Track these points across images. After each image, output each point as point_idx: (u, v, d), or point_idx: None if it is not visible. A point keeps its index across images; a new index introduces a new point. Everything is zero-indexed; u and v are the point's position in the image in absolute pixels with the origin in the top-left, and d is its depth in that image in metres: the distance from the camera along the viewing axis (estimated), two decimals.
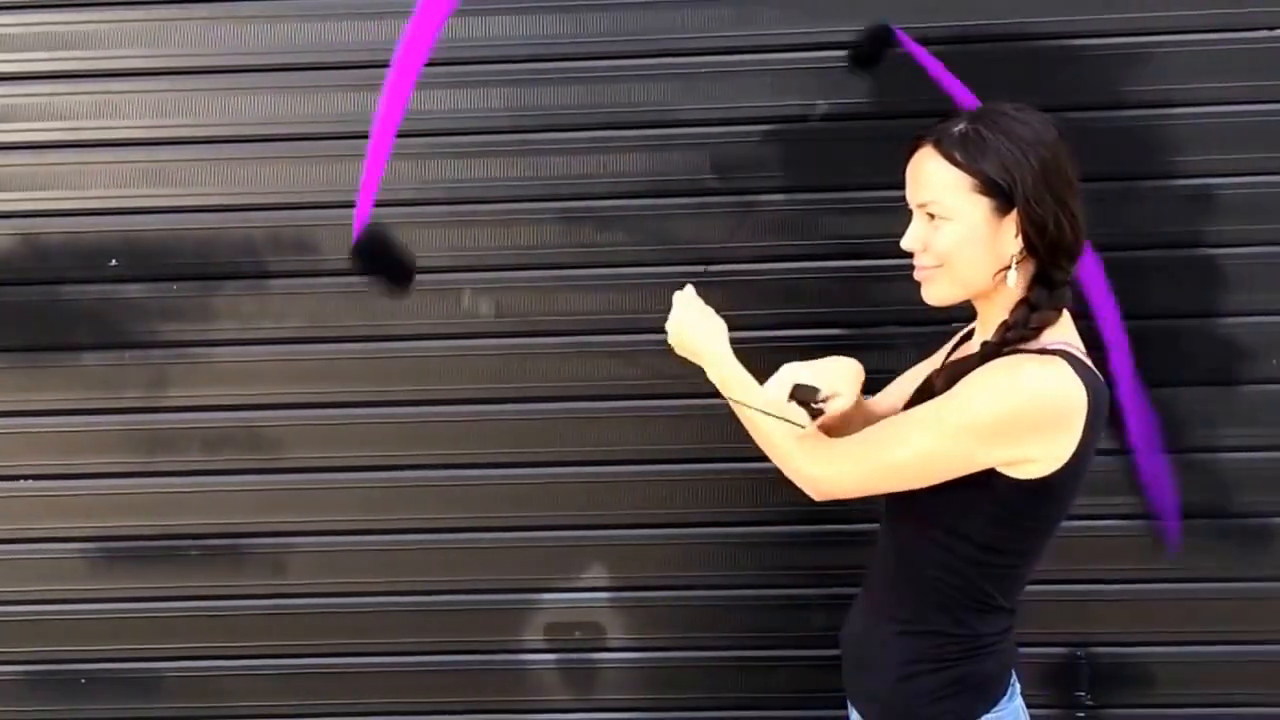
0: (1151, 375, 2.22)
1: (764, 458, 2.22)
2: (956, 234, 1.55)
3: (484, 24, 2.23)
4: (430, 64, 2.21)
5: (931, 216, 1.57)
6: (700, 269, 2.19)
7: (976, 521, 1.55)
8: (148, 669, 2.40)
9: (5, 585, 2.37)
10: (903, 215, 2.25)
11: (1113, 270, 2.20)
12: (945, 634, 1.61)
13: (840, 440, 1.64)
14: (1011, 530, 1.57)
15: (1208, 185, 2.21)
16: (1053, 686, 2.31)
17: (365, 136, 2.23)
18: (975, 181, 1.53)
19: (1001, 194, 1.53)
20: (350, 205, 2.24)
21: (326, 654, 2.37)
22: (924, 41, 2.18)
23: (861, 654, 1.71)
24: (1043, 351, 1.54)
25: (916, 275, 1.61)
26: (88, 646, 2.39)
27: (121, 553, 2.36)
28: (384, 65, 2.21)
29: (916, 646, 1.63)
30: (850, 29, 2.18)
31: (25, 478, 2.35)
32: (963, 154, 1.54)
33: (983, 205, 1.54)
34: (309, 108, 2.25)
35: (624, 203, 2.25)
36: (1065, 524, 2.21)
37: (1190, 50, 2.18)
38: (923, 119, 2.17)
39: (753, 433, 1.69)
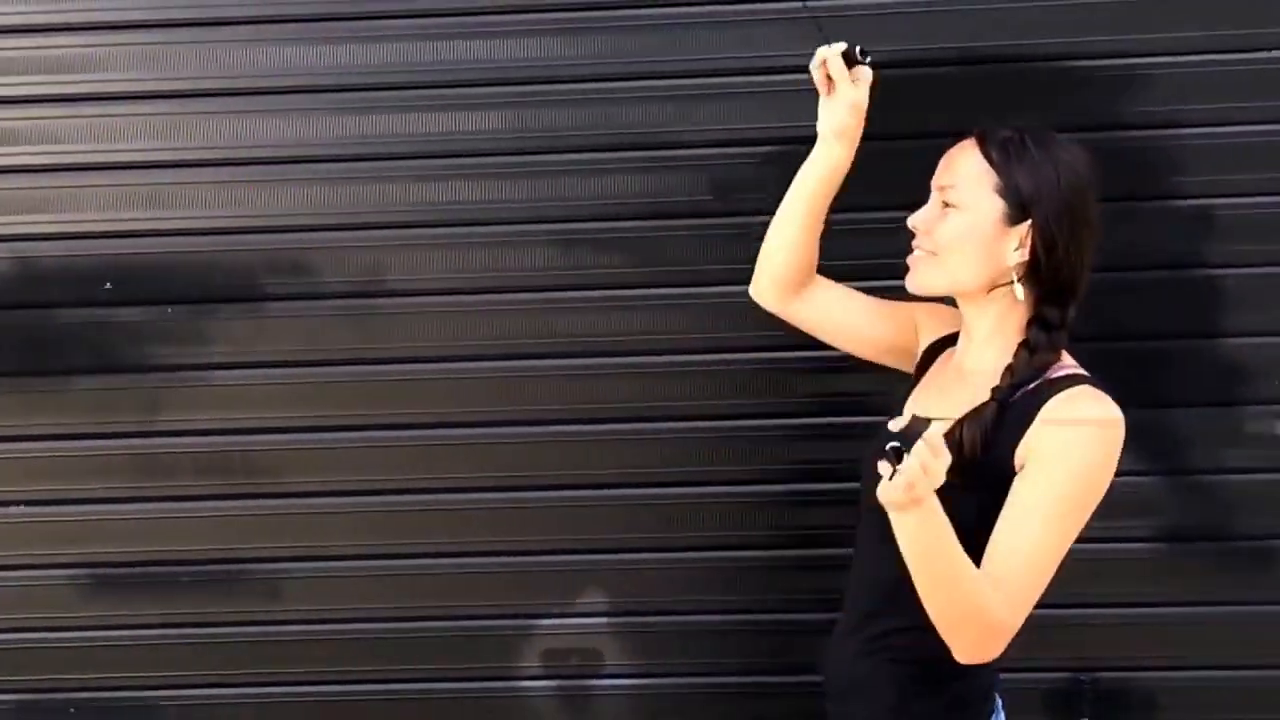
0: (1154, 396, 2.30)
1: (756, 480, 2.31)
2: (961, 225, 1.65)
3: (482, 46, 2.30)
4: (427, 86, 2.31)
5: (946, 205, 1.67)
6: None
7: (982, 538, 1.59)
8: (139, 698, 2.45)
9: None
10: (903, 237, 2.32)
11: (1115, 290, 2.28)
12: (938, 657, 1.65)
13: (1005, 577, 1.56)
14: None
15: (1211, 205, 2.28)
16: (1056, 711, 2.37)
17: (361, 159, 2.33)
18: (999, 182, 1.64)
19: (1019, 203, 1.63)
20: (347, 228, 2.33)
21: (322, 681, 2.42)
22: (927, 64, 2.26)
23: (850, 684, 1.76)
24: (1070, 377, 1.63)
25: (909, 260, 1.71)
26: (78, 675, 2.44)
27: (113, 579, 2.42)
28: (380, 89, 2.31)
29: (910, 671, 1.70)
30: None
31: (17, 503, 2.41)
32: (999, 153, 1.65)
33: (997, 207, 1.64)
34: (305, 131, 2.32)
35: (622, 224, 2.32)
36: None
37: (1192, 71, 2.25)
38: (923, 140, 2.27)
39: (935, 590, 1.53)
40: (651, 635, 2.41)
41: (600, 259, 2.33)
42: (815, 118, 2.26)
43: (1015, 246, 1.64)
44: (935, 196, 1.70)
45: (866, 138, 2.25)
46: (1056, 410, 1.59)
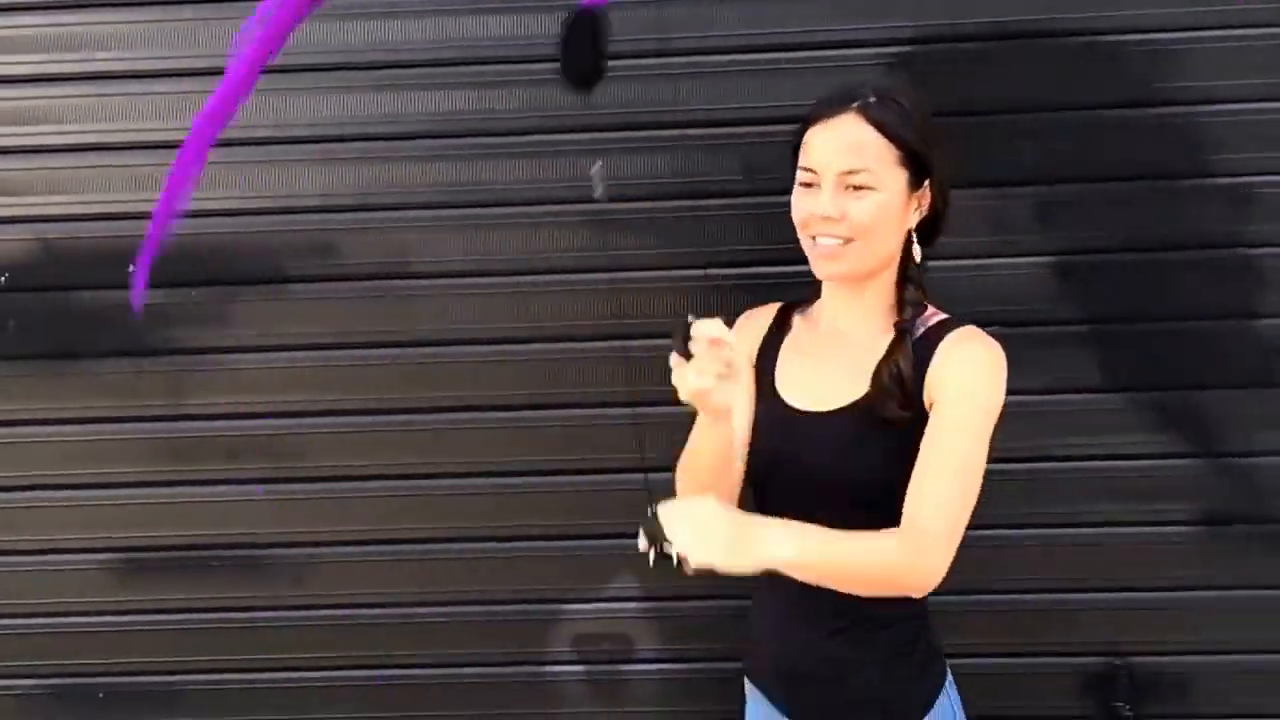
0: (1191, 378, 2.29)
1: None
2: (880, 205, 1.65)
3: (508, 23, 2.29)
4: (456, 64, 2.30)
5: (853, 188, 1.65)
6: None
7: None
8: (167, 682, 2.46)
9: (23, 597, 2.45)
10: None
11: (1149, 270, 2.26)
12: (900, 617, 1.70)
13: (919, 516, 1.58)
14: None
15: (1248, 184, 2.26)
16: (1091, 697, 2.37)
17: (386, 138, 2.33)
18: (899, 154, 1.65)
19: (917, 168, 1.67)
20: (373, 209, 2.33)
21: (350, 666, 2.44)
22: (957, 38, 2.24)
23: (831, 671, 1.73)
24: (949, 320, 1.71)
25: (824, 250, 1.68)
26: (106, 659, 2.45)
27: (141, 563, 2.43)
28: (406, 66, 2.30)
29: (886, 638, 1.71)
30: (884, 25, 2.25)
31: (43, 487, 2.42)
32: (891, 124, 1.65)
33: (901, 178, 1.66)
34: (331, 110, 2.32)
35: (653, 204, 2.31)
36: (1103, 530, 2.32)
37: (1229, 46, 2.23)
38: (952, 118, 2.25)
39: (831, 575, 1.55)
40: (682, 620, 2.40)
41: (631, 240, 2.31)
42: None
43: (915, 209, 1.69)
44: (834, 181, 1.65)
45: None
46: (953, 350, 1.66)
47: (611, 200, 2.30)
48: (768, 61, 2.28)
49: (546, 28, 2.28)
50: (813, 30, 2.27)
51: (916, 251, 1.70)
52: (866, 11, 2.26)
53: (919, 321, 1.70)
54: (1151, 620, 2.34)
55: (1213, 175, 2.26)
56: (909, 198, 1.68)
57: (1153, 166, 2.27)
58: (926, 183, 1.69)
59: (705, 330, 1.45)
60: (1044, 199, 2.27)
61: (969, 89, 2.26)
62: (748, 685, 1.90)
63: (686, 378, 1.48)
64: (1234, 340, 2.29)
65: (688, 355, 1.47)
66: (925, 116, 1.68)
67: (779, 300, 1.91)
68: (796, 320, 1.84)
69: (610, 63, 2.27)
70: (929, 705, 1.73)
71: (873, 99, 1.65)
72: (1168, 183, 2.27)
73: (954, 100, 2.25)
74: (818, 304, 1.84)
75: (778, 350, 1.82)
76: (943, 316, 1.73)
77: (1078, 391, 2.30)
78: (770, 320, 1.86)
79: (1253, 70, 2.23)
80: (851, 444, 1.68)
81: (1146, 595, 2.34)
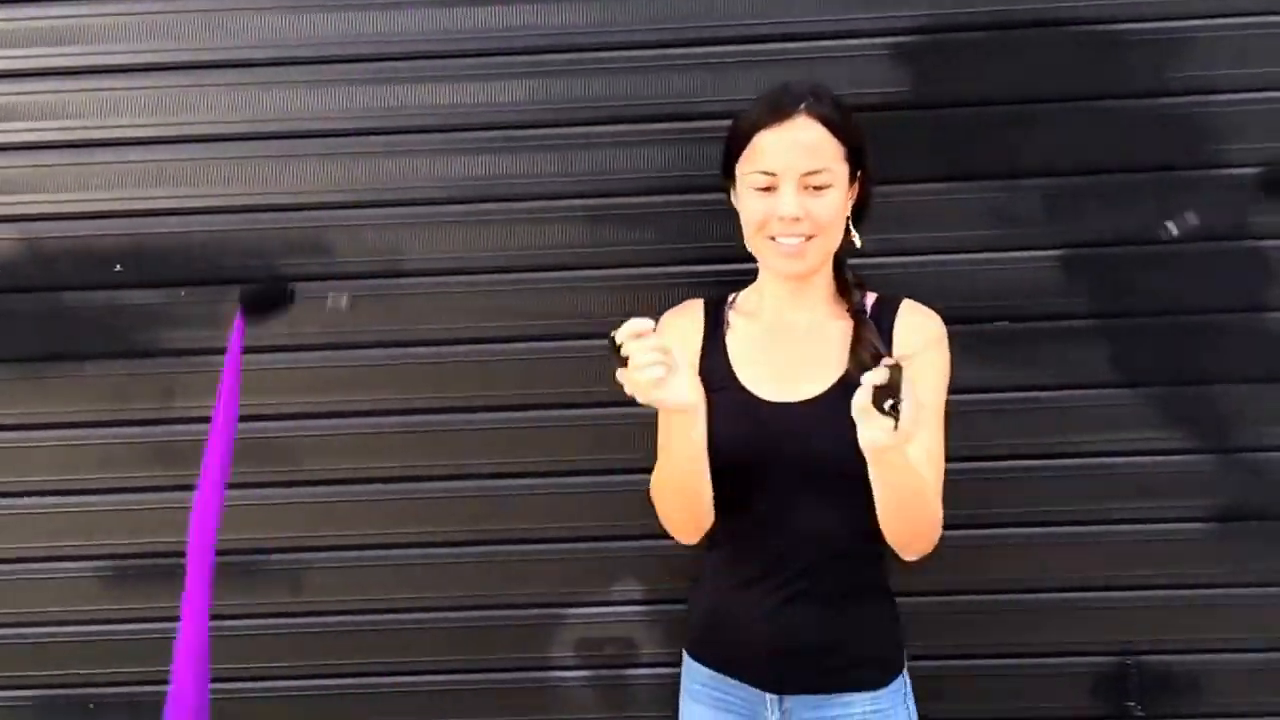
0: (1198, 372, 2.28)
1: None
2: (838, 201, 1.73)
3: (506, 14, 2.26)
4: (452, 56, 2.28)
5: (813, 188, 1.71)
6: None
7: None
8: (160, 692, 2.39)
9: (9, 606, 2.41)
10: (936, 209, 2.27)
11: (1157, 263, 2.24)
12: (876, 582, 1.84)
13: (931, 478, 1.74)
14: None
15: (1257, 174, 2.24)
16: (1102, 696, 2.35)
17: (381, 133, 2.30)
18: (845, 150, 1.73)
19: (857, 161, 1.74)
20: (367, 206, 2.29)
21: (347, 674, 2.41)
22: (961, 28, 2.22)
23: (829, 639, 1.76)
24: (884, 297, 1.84)
25: (787, 250, 1.73)
26: (96, 669, 2.42)
27: (131, 571, 2.39)
28: (399, 59, 2.27)
29: (872, 601, 1.83)
30: (884, 15, 2.24)
31: (29, 494, 2.38)
32: (837, 121, 1.72)
33: (846, 172, 1.73)
34: (321, 103, 2.29)
35: (652, 199, 2.29)
36: (1114, 528, 2.30)
37: (1235, 35, 2.22)
38: (957, 109, 2.24)
39: (911, 506, 1.68)
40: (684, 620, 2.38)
41: (631, 235, 2.29)
42: (852, 84, 2.22)
43: (850, 199, 1.77)
44: (794, 182, 1.70)
45: (890, 108, 2.23)
46: (910, 325, 1.79)
47: (610, 195, 2.30)
48: (771, 53, 2.25)
49: (544, 20, 2.26)
50: (814, 20, 2.25)
51: (856, 238, 1.80)
52: (868, 2, 2.24)
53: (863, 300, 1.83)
54: (1163, 618, 2.32)
55: (1220, 166, 2.25)
56: (849, 190, 1.76)
57: (1159, 157, 2.25)
58: (859, 173, 1.77)
59: (626, 329, 1.55)
60: (1049, 191, 2.25)
61: (972, 79, 2.24)
62: (696, 671, 1.91)
63: (632, 378, 1.56)
64: (1244, 333, 2.28)
65: (625, 361, 1.56)
66: (850, 110, 1.77)
67: None
68: (731, 316, 1.88)
69: (609, 55, 2.28)
70: (902, 660, 1.85)
71: (812, 98, 1.72)
72: (1173, 174, 2.25)
73: (958, 91, 2.24)
74: (747, 297, 1.89)
75: (723, 346, 1.84)
76: (875, 293, 1.84)
77: (1086, 387, 2.28)
78: (700, 318, 1.89)
79: (1258, 59, 2.22)
80: (843, 425, 1.67)
81: (1158, 593, 2.32)
